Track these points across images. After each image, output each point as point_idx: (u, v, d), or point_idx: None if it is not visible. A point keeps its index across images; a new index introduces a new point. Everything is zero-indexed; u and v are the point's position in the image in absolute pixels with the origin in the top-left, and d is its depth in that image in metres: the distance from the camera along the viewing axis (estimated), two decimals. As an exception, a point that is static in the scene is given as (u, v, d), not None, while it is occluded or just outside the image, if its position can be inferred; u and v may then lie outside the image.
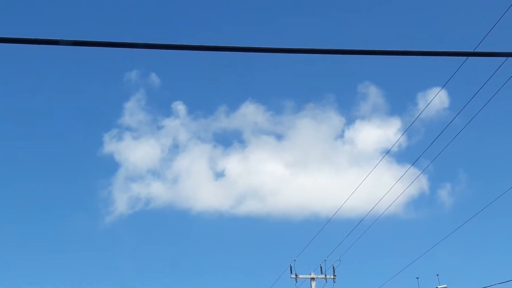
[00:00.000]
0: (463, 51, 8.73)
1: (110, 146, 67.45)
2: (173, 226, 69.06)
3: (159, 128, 70.84)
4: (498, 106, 60.87)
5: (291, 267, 32.40)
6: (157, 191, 65.59)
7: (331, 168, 67.93)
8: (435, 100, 47.89)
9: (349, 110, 74.53)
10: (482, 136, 65.36)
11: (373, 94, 67.80)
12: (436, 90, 51.12)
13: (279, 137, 73.31)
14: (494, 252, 59.63)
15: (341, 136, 67.83)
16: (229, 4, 74.82)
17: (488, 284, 24.83)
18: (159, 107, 75.09)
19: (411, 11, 73.99)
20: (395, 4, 73.61)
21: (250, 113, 69.26)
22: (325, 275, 32.56)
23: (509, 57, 8.32)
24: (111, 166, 68.94)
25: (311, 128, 68.47)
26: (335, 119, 67.54)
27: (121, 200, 66.03)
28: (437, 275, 28.28)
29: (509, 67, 16.50)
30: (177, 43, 8.46)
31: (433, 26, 72.33)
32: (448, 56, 8.64)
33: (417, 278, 28.48)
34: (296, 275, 32.49)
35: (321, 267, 32.59)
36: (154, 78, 71.19)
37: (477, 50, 9.06)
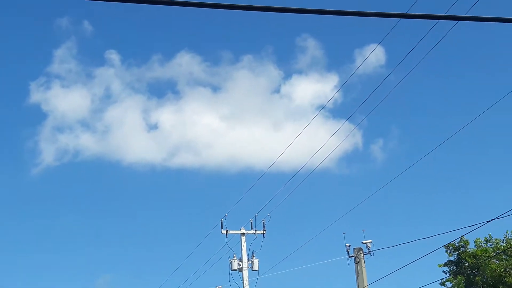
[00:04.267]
0: (397, 12, 8.93)
1: (37, 95, 65.23)
2: (103, 178, 67.99)
3: (91, 77, 68.80)
4: (432, 66, 62.45)
5: (221, 222, 32.72)
6: (86, 143, 64.28)
7: (268, 121, 68.05)
8: (372, 57, 48.56)
9: (288, 63, 74.32)
10: (415, 93, 66.87)
11: (312, 47, 67.73)
12: (373, 47, 51.67)
13: (215, 88, 72.32)
14: (418, 208, 61.78)
15: (278, 90, 67.88)
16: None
17: (412, 239, 25.75)
18: (92, 55, 72.59)
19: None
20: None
21: (186, 63, 67.81)
22: (255, 231, 33.04)
23: (440, 20, 8.57)
24: (38, 116, 66.82)
25: (248, 81, 67.87)
26: (273, 72, 67.32)
27: (48, 152, 64.50)
28: (363, 231, 29.09)
29: (439, 29, 16.97)
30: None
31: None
32: (382, 17, 8.83)
33: (344, 234, 29.25)
34: (226, 231, 32.82)
35: (251, 222, 33.05)
36: (87, 26, 68.76)
37: (411, 12, 9.30)
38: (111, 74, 67.14)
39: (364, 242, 28.81)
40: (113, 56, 67.52)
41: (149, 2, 8.51)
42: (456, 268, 40.72)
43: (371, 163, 64.70)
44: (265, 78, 69.17)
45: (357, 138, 60.82)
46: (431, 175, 62.37)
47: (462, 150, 61.26)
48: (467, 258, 39.70)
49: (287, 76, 73.12)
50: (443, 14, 7.95)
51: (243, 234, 33.08)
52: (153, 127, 67.45)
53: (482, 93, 62.38)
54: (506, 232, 39.99)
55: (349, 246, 28.89)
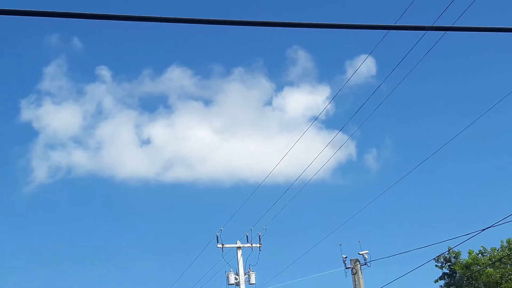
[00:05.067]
0: (385, 24, 9.05)
1: (28, 112, 65.06)
2: (96, 194, 67.64)
3: (82, 94, 68.58)
4: (422, 75, 62.80)
5: (217, 236, 32.69)
6: (79, 159, 64.02)
7: (261, 134, 67.92)
8: (363, 68, 48.84)
9: (279, 75, 74.30)
10: (406, 103, 67.12)
11: (302, 59, 67.88)
12: (363, 57, 51.83)
13: (207, 102, 72.22)
14: (414, 217, 61.83)
15: (270, 102, 67.94)
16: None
17: (409, 248, 25.79)
18: (82, 72, 72.34)
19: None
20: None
21: (177, 77, 67.68)
22: (251, 244, 33.02)
23: (428, 31, 8.70)
24: (29, 133, 66.49)
25: (240, 93, 67.82)
26: (265, 85, 67.37)
27: (40, 169, 64.26)
28: (359, 241, 29.05)
29: (428, 39, 17.16)
30: (100, 13, 8.34)
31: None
32: (370, 29, 8.95)
33: (340, 245, 29.21)
34: (222, 245, 32.78)
35: (247, 235, 33.02)
36: (76, 42, 68.67)
37: (399, 23, 9.42)
38: (102, 90, 66.86)
39: (360, 253, 28.76)
40: (104, 72, 67.39)
41: (139, 20, 8.60)
42: (450, 280, 40.58)
43: (366, 173, 64.71)
44: (257, 90, 69.15)
45: (351, 148, 60.88)
46: (425, 184, 62.45)
47: (456, 158, 61.41)
48: (459, 269, 39.50)
49: (279, 88, 73.13)
50: (430, 25, 8.06)
51: (239, 248, 33.05)
52: (145, 142, 67.24)
53: (474, 101, 62.64)
54: (501, 241, 39.97)
55: (346, 257, 28.84)
